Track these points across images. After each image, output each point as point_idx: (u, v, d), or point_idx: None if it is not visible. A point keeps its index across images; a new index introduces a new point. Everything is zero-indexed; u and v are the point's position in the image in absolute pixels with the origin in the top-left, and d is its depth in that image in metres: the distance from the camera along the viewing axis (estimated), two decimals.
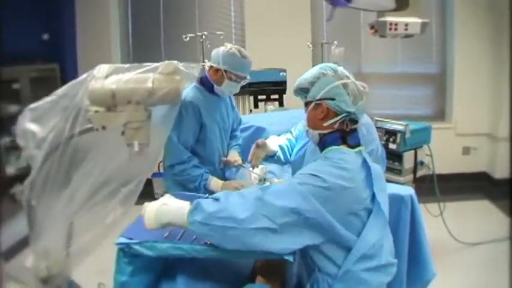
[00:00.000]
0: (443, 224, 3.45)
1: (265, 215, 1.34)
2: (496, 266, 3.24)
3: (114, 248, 1.60)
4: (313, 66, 4.92)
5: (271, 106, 4.16)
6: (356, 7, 2.23)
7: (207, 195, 2.02)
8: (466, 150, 4.96)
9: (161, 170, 4.03)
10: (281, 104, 4.19)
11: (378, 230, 1.50)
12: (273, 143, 2.39)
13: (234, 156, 2.42)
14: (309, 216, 1.36)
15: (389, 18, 2.40)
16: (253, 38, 4.68)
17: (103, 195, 1.83)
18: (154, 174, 4.11)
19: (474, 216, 4.08)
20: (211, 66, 2.27)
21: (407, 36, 2.58)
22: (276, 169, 2.34)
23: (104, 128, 1.77)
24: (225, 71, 2.23)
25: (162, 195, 4.18)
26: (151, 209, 1.51)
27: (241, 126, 2.73)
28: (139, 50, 4.96)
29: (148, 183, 3.75)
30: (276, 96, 4.19)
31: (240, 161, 2.42)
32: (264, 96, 4.17)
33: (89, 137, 1.82)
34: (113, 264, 1.61)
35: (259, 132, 2.84)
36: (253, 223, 1.33)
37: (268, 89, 4.05)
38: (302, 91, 1.87)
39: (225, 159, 2.40)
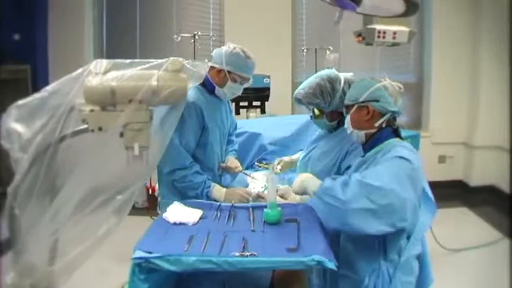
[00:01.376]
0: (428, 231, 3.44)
1: (365, 195, 1.41)
2: (481, 271, 3.29)
3: (114, 250, 1.44)
4: (293, 72, 4.84)
5: (253, 113, 4.07)
6: (363, 12, 2.19)
7: (219, 204, 1.91)
8: (442, 159, 5.02)
9: None
10: (263, 111, 4.10)
11: (429, 216, 1.68)
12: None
13: (234, 162, 2.29)
14: (406, 197, 1.44)
15: (378, 26, 2.38)
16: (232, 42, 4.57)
17: (96, 203, 1.69)
18: None
19: (455, 223, 4.11)
20: (213, 67, 2.12)
21: (394, 44, 2.57)
22: (275, 176, 2.25)
23: (100, 129, 1.61)
24: (229, 72, 2.09)
25: (142, 204, 4.02)
26: (300, 177, 1.69)
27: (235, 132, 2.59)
28: (114, 53, 4.75)
29: None
30: (258, 103, 4.10)
31: (240, 168, 2.29)
32: (245, 103, 4.06)
33: (83, 139, 1.67)
34: (112, 266, 1.44)
35: (253, 137, 2.75)
36: (355, 203, 1.41)
37: (251, 95, 3.93)
38: (299, 102, 2.03)
39: (224, 165, 2.26)
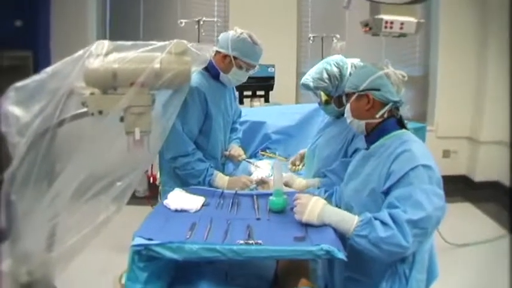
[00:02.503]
0: None
1: (418, 228, 1.36)
2: (484, 266, 3.25)
3: (114, 239, 1.38)
4: (298, 61, 4.72)
5: (257, 102, 4.01)
6: None
7: (222, 191, 1.86)
8: (447, 153, 4.97)
9: None
10: (267, 100, 4.05)
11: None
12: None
13: (237, 150, 2.23)
14: (443, 204, 1.42)
15: (386, 16, 2.31)
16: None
17: (95, 190, 1.63)
18: None
19: (458, 218, 4.05)
20: (218, 52, 2.05)
21: (401, 35, 2.50)
22: (282, 163, 2.20)
23: (100, 113, 1.56)
24: (235, 57, 2.02)
25: (143, 193, 3.96)
26: (315, 205, 1.49)
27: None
28: (117, 40, 4.67)
29: None
30: (262, 93, 4.05)
31: (243, 156, 2.23)
32: (249, 92, 4.02)
33: (82, 123, 1.62)
34: (112, 255, 1.39)
35: (257, 126, 2.69)
36: (413, 241, 1.36)
37: (255, 84, 3.88)
38: (306, 88, 1.96)
39: (227, 153, 2.21)
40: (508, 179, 4.47)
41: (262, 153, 2.54)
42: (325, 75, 1.91)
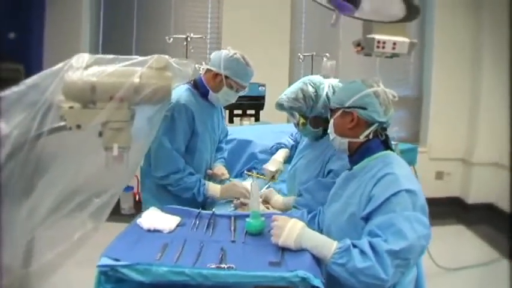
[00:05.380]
0: None
1: (398, 264, 1.30)
2: None
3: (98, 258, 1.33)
4: (291, 80, 4.71)
5: (247, 121, 3.99)
6: (362, 17, 2.11)
7: (199, 211, 1.78)
8: (440, 175, 4.94)
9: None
10: (257, 120, 4.02)
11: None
12: (274, 164, 2.27)
13: (220, 169, 2.21)
14: (428, 232, 1.35)
15: (378, 36, 2.30)
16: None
17: (72, 206, 1.60)
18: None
19: (451, 241, 4.01)
20: (209, 70, 2.04)
21: (393, 55, 2.49)
22: (258, 183, 2.17)
23: (78, 127, 1.53)
24: (226, 77, 2.01)
25: (128, 211, 3.89)
26: (293, 228, 1.42)
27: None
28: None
29: None
30: (253, 112, 4.02)
31: (227, 175, 2.21)
32: (240, 111, 3.99)
33: (60, 137, 1.59)
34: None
35: (244, 145, 2.65)
36: (393, 276, 1.30)
37: (245, 103, 3.84)
38: (280, 108, 1.92)
39: (210, 172, 2.19)
40: (502, 201, 4.44)
41: (248, 173, 2.49)
42: (300, 95, 1.87)
